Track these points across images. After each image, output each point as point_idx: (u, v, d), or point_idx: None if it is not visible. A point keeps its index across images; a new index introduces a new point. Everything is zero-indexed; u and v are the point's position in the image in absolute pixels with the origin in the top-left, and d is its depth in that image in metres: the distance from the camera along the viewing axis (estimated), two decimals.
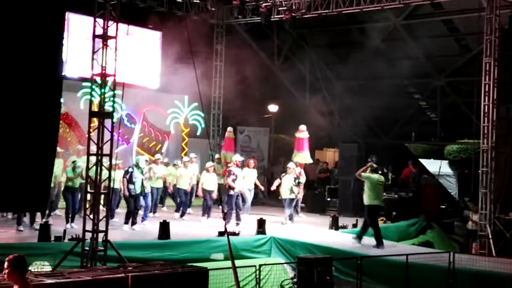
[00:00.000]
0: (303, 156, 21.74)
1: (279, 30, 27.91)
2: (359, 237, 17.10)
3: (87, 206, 14.02)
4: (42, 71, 10.61)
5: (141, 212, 18.44)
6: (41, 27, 10.62)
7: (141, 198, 18.11)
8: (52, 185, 16.29)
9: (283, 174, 20.55)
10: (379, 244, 16.72)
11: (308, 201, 24.82)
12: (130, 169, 17.56)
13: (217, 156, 22.28)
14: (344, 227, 19.46)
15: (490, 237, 19.10)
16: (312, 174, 26.76)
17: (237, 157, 20.19)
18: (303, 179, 21.73)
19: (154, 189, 19.93)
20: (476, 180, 20.28)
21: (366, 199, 17.05)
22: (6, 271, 7.13)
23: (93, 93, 14.27)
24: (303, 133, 21.86)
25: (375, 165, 17.65)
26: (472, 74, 23.62)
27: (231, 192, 19.06)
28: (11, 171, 10.27)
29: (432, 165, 27.71)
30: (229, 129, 24.08)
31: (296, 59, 30.02)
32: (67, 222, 16.78)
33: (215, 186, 20.13)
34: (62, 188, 17.70)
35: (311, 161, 22.56)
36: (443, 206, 24.76)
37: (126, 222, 17.44)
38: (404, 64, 26.57)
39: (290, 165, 20.67)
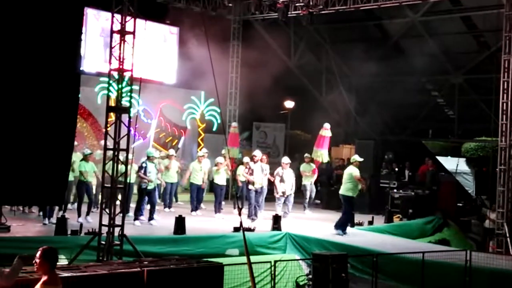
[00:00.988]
0: (322, 153, 21.67)
1: (296, 26, 27.86)
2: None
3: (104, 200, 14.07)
4: (60, 65, 10.65)
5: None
6: (60, 22, 10.66)
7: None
8: (72, 178, 16.52)
9: (282, 171, 20.10)
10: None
11: (324, 197, 24.80)
12: (144, 164, 17.58)
13: (223, 151, 22.36)
14: (360, 224, 19.41)
15: (508, 235, 18.99)
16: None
17: (257, 153, 20.10)
18: (314, 177, 21.74)
19: (168, 184, 19.97)
20: (494, 178, 20.17)
21: None
22: (37, 261, 7.20)
23: (110, 88, 14.29)
24: (326, 131, 21.74)
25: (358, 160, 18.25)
26: (490, 71, 23.49)
27: (251, 187, 19.05)
28: (28, 165, 10.31)
29: (449, 163, 27.57)
30: (234, 124, 24.05)
31: (313, 55, 29.97)
32: (79, 216, 16.85)
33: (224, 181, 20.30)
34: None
35: (327, 160, 22.44)
36: (460, 204, 24.63)
37: (136, 218, 17.48)
38: (422, 60, 26.43)
39: (284, 160, 20.49)
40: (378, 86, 28.59)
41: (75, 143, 18.24)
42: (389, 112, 29.39)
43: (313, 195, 22.25)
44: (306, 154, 22.14)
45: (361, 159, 18.18)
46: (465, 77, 27.53)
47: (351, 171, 17.88)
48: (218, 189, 20.19)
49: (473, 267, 13.82)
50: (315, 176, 22.03)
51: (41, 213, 16.83)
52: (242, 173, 20.30)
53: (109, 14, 13.89)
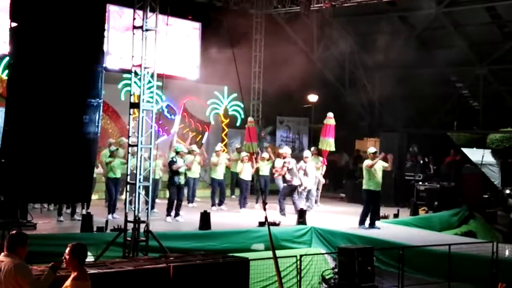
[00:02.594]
0: (328, 142, 21.56)
1: (319, 19, 27.74)
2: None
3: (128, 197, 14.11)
4: (84, 62, 10.71)
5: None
6: (84, 19, 10.73)
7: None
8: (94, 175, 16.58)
9: (304, 165, 19.89)
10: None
11: (349, 191, 24.74)
12: (174, 159, 17.62)
13: (237, 145, 22.34)
14: (386, 217, 19.33)
15: None
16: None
17: (286, 149, 20.01)
18: (323, 170, 21.49)
19: (191, 179, 20.02)
20: None
21: None
22: (67, 257, 7.28)
23: (133, 85, 14.34)
24: (330, 120, 21.71)
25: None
26: None
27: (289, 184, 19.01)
28: (54, 163, 10.40)
29: (475, 154, 27.37)
30: (250, 119, 23.99)
31: (336, 48, 29.80)
32: (109, 212, 16.96)
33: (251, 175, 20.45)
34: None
35: (334, 149, 22.24)
36: (486, 196, 24.45)
37: (168, 214, 17.52)
38: (446, 52, 26.21)
39: (305, 153, 20.38)
40: (402, 78, 28.37)
41: (112, 140, 18.41)
42: (413, 105, 29.17)
43: (320, 187, 22.06)
44: (312, 148, 22.02)
45: (374, 150, 18.01)
46: (489, 68, 27.25)
47: (363, 163, 17.87)
48: (244, 184, 20.28)
49: (500, 258, 13.72)
50: (324, 168, 21.75)
51: (68, 210, 16.93)
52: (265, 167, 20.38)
53: (131, 11, 13.91)
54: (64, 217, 16.48)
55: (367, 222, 17.45)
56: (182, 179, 17.64)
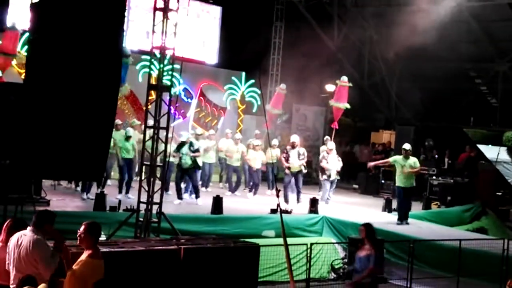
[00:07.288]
0: (344, 105, 21.38)
1: (340, 9, 27.64)
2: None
3: (143, 178, 14.17)
4: (103, 43, 10.72)
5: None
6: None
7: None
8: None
9: (327, 155, 19.92)
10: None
11: (362, 182, 24.71)
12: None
13: (257, 131, 22.34)
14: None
15: None
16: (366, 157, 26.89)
17: (294, 138, 19.91)
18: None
19: (206, 164, 20.08)
20: None
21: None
22: (82, 235, 7.31)
23: (152, 66, 14.35)
24: (344, 83, 21.52)
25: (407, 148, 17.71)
26: None
27: (287, 172, 18.97)
28: (70, 141, 10.44)
29: (490, 151, 27.24)
30: (282, 86, 23.64)
31: (356, 39, 29.69)
32: (120, 192, 17.05)
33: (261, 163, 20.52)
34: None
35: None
36: (500, 193, 24.34)
37: (179, 197, 17.62)
38: (466, 47, 26.05)
39: (329, 145, 20.27)
40: (420, 71, 28.27)
41: (119, 121, 18.49)
42: (430, 99, 29.03)
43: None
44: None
45: (408, 147, 17.76)
46: (509, 65, 27.07)
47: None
48: (254, 172, 20.35)
49: (511, 256, 13.68)
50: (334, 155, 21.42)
51: (78, 188, 17.07)
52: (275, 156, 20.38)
53: None
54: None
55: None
56: (185, 164, 17.67)
